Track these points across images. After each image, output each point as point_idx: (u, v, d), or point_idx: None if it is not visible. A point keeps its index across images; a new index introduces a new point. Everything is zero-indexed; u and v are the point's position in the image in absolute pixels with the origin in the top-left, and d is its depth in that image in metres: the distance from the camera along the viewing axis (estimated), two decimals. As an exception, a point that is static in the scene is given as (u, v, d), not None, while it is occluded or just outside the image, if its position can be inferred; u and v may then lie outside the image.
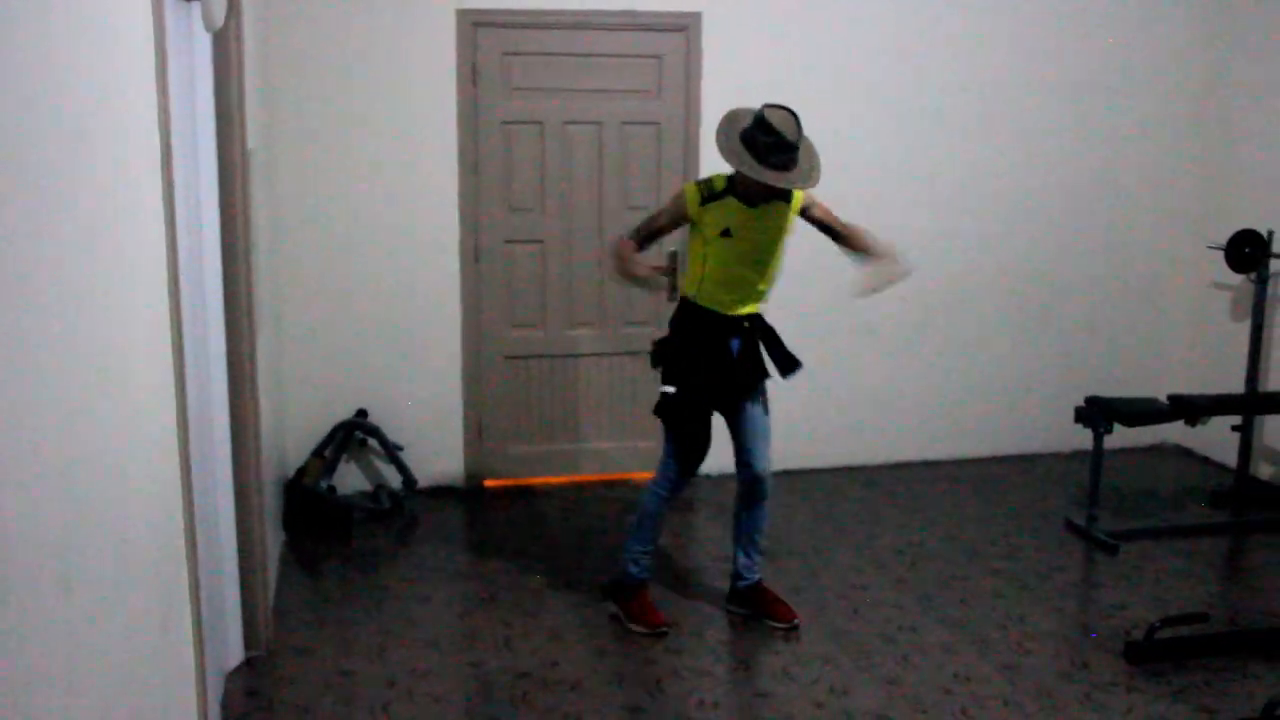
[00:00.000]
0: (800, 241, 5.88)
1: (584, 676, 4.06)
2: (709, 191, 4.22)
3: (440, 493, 5.94)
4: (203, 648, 2.94)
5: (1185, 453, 6.73)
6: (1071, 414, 5.47)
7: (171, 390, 2.65)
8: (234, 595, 3.95)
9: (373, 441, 5.78)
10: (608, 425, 6.13)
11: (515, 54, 5.73)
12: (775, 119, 4.01)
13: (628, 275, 4.38)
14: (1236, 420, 5.87)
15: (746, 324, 4.33)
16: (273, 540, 4.70)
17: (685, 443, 4.38)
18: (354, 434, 5.75)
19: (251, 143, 4.10)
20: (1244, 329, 6.11)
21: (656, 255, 5.94)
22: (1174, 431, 6.64)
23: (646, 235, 4.39)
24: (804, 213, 4.34)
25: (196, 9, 3.29)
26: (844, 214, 6.10)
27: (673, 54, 5.87)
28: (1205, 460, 6.58)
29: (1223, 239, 6.06)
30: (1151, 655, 4.18)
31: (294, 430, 5.67)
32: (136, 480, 2.31)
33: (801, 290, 6.08)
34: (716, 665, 4.20)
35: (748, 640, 4.37)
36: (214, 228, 3.67)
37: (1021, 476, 6.31)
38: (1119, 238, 6.59)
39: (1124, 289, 6.67)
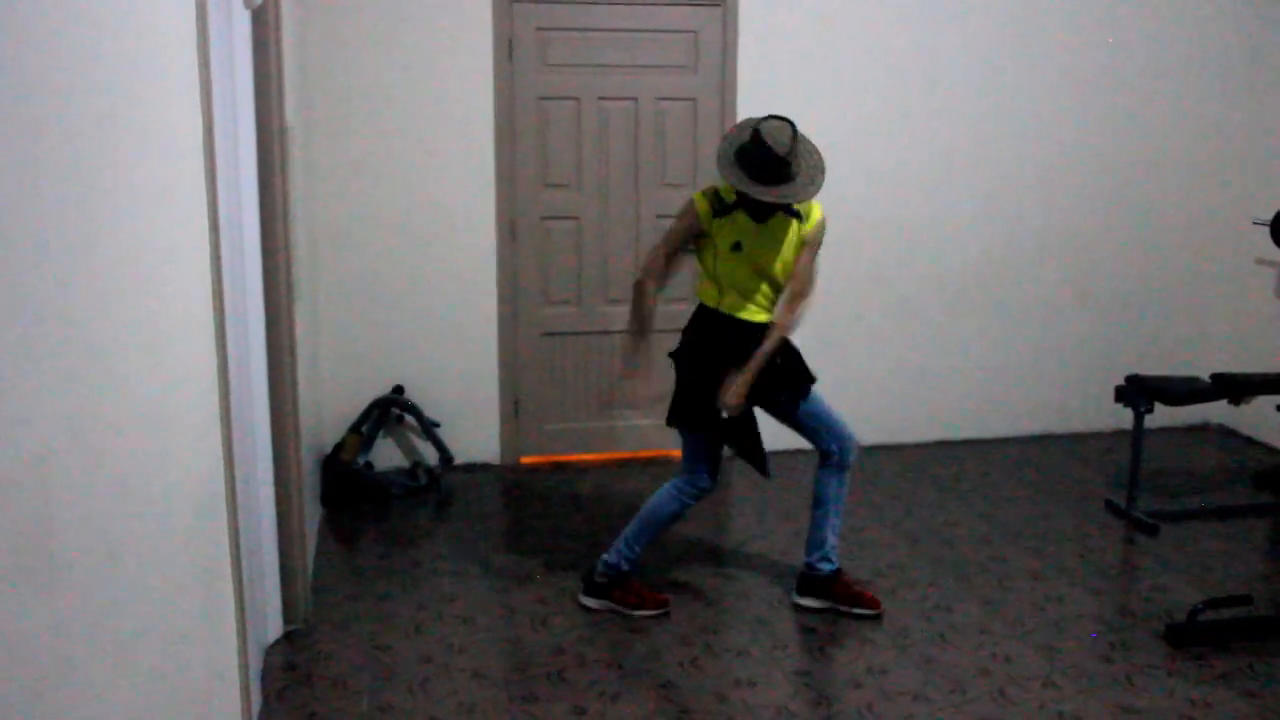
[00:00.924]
0: (834, 217, 5.86)
1: (620, 654, 4.07)
2: (719, 204, 4.14)
3: (477, 469, 5.96)
4: (244, 621, 2.96)
5: (1229, 432, 6.66)
6: (1112, 393, 5.41)
7: (213, 365, 2.66)
8: (273, 570, 3.98)
9: (409, 418, 5.81)
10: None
11: (551, 29, 5.70)
12: (767, 131, 3.95)
13: (632, 323, 4.34)
14: (1281, 400, 5.80)
15: (757, 330, 4.20)
16: (311, 516, 4.73)
17: (746, 440, 4.28)
18: (391, 410, 5.77)
19: (289, 119, 4.10)
20: (1289, 308, 6.03)
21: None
22: (1217, 411, 6.56)
23: (667, 256, 4.29)
24: (809, 238, 4.20)
25: (236, -16, 3.29)
26: (882, 188, 6.09)
27: (709, 29, 5.83)
28: (1249, 440, 6.50)
29: (1267, 215, 5.97)
30: (1193, 638, 4.13)
31: (331, 406, 5.70)
32: (179, 454, 2.32)
33: (835, 266, 6.05)
34: (753, 644, 4.19)
35: (785, 619, 4.36)
36: (253, 204, 3.68)
37: (1061, 456, 6.26)
38: (1160, 214, 6.51)
39: (1165, 265, 6.58)
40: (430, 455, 5.83)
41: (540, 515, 5.39)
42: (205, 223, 2.60)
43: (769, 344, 4.14)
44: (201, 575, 2.52)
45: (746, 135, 4.02)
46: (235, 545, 2.85)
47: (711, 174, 5.87)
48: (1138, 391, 5.24)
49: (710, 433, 4.26)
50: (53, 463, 1.54)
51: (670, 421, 4.34)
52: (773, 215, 4.13)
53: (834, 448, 4.35)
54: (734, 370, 4.15)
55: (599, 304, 5.99)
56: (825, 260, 5.91)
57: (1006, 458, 6.23)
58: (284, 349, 3.94)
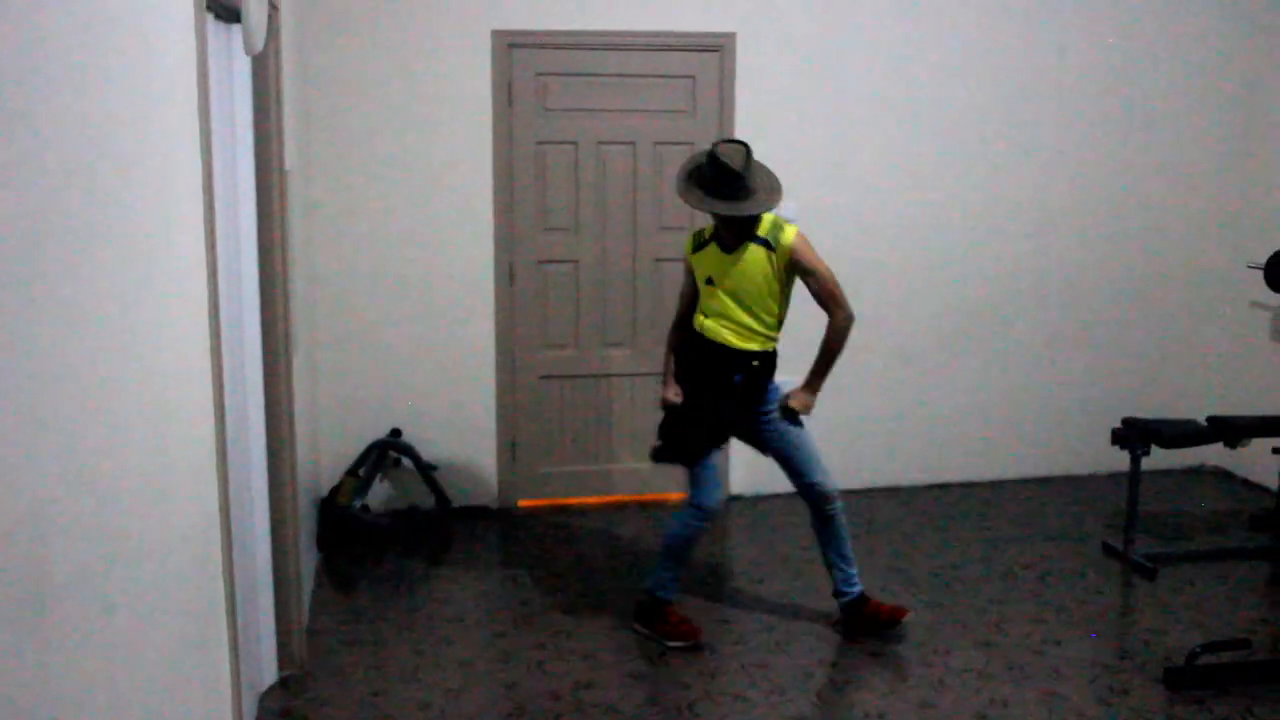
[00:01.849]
0: (831, 258, 5.88)
1: (618, 699, 4.05)
2: (699, 240, 4.41)
3: (474, 513, 5.95)
4: (238, 667, 2.95)
5: (1225, 475, 6.66)
6: (1109, 435, 5.41)
7: (210, 410, 2.67)
8: (269, 614, 3.96)
9: (406, 461, 5.80)
10: (642, 446, 6.10)
11: (550, 74, 5.75)
12: (722, 151, 4.16)
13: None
14: (1277, 441, 5.79)
15: (755, 362, 4.35)
16: (307, 560, 4.72)
17: (701, 469, 4.44)
18: (388, 453, 5.76)
19: (289, 163, 4.13)
20: (1284, 350, 6.05)
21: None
22: (1213, 453, 6.56)
23: (683, 311, 4.54)
24: (795, 265, 4.31)
25: (237, 32, 3.32)
26: (880, 232, 6.12)
27: (706, 74, 5.88)
28: (1245, 482, 6.50)
29: (1262, 258, 6.00)
30: (1192, 681, 4.12)
31: (328, 449, 5.70)
32: (175, 499, 2.32)
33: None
34: (751, 689, 4.17)
35: (783, 663, 4.34)
36: (251, 247, 3.69)
37: (1058, 499, 6.25)
38: (1156, 257, 6.53)
39: (1162, 309, 6.61)
40: (427, 498, 5.82)
41: (537, 559, 5.38)
42: (204, 269, 2.61)
43: (822, 354, 4.38)
44: (196, 623, 2.51)
45: (703, 157, 4.25)
46: (230, 593, 2.84)
47: (704, 218, 5.91)
48: (1134, 434, 5.24)
49: (695, 458, 4.40)
50: (50, 512, 1.55)
51: (658, 458, 4.52)
52: (740, 246, 4.28)
53: (811, 496, 4.52)
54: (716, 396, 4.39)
55: (596, 347, 6.01)
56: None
57: (1004, 500, 6.22)
58: (281, 394, 3.95)
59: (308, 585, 4.72)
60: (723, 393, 4.37)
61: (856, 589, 4.55)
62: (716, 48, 5.85)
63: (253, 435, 3.76)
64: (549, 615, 4.73)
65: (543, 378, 5.98)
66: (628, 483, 6.14)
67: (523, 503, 6.06)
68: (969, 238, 6.28)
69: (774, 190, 4.25)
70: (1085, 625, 4.67)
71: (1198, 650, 4.15)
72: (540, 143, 5.79)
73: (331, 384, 5.70)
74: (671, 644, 4.43)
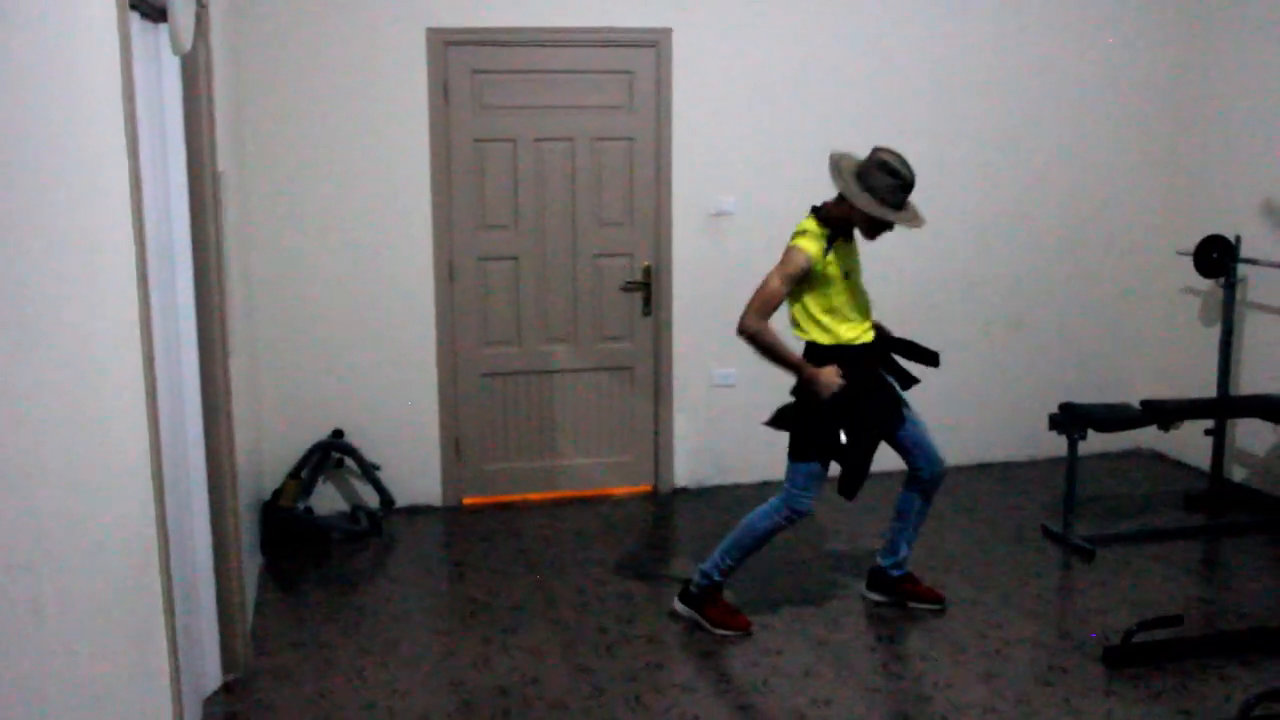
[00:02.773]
0: (773, 253, 5.92)
1: (565, 693, 4.06)
2: (824, 240, 4.30)
3: (418, 511, 5.93)
4: (179, 672, 2.92)
5: (1159, 457, 6.78)
6: (1046, 421, 5.49)
7: (144, 413, 2.64)
8: (211, 618, 3.93)
9: (349, 461, 5.77)
10: (585, 441, 6.13)
11: (486, 72, 5.74)
12: (895, 162, 4.24)
13: (787, 361, 4.34)
14: (1209, 424, 5.92)
15: (879, 346, 4.48)
16: (250, 563, 4.68)
17: (854, 473, 4.41)
18: (330, 454, 5.73)
19: (222, 165, 4.09)
20: (1214, 333, 6.17)
21: (630, 270, 5.97)
22: (1148, 436, 6.68)
23: (769, 314, 4.30)
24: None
25: (164, 31, 3.29)
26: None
27: (644, 69, 5.89)
28: (1179, 464, 6.63)
29: (1191, 245, 6.12)
30: (1129, 659, 4.20)
31: (270, 452, 5.65)
32: (109, 503, 2.30)
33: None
34: (698, 679, 4.19)
35: (730, 653, 4.37)
36: (185, 249, 3.66)
37: (997, 484, 6.34)
38: (1091, 245, 6.64)
39: (1095, 296, 6.71)
40: (371, 498, 5.80)
41: (483, 556, 5.37)
42: (133, 269, 2.59)
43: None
44: (134, 626, 2.49)
45: (858, 163, 4.31)
46: (168, 596, 2.82)
47: (645, 213, 5.93)
48: (1071, 419, 5.33)
49: (831, 459, 4.39)
50: (-26, 516, 1.53)
51: (798, 455, 4.42)
52: (852, 238, 4.41)
53: (922, 465, 4.61)
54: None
55: (538, 343, 6.01)
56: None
57: (945, 487, 6.26)
58: (219, 396, 3.92)
59: (251, 588, 4.68)
60: (884, 389, 4.50)
61: (905, 570, 4.77)
62: (653, 43, 5.87)
63: (190, 438, 3.72)
64: (495, 612, 4.73)
65: (485, 375, 5.97)
66: (571, 479, 6.15)
67: (467, 500, 6.05)
68: (907, 233, 6.33)
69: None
70: (1026, 607, 4.74)
71: (1134, 629, 4.23)
72: (478, 140, 5.78)
73: (272, 386, 5.66)
74: (720, 632, 4.48)
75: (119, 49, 2.52)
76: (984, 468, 6.60)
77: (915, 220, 4.32)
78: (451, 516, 5.92)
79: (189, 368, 3.71)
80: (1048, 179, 6.50)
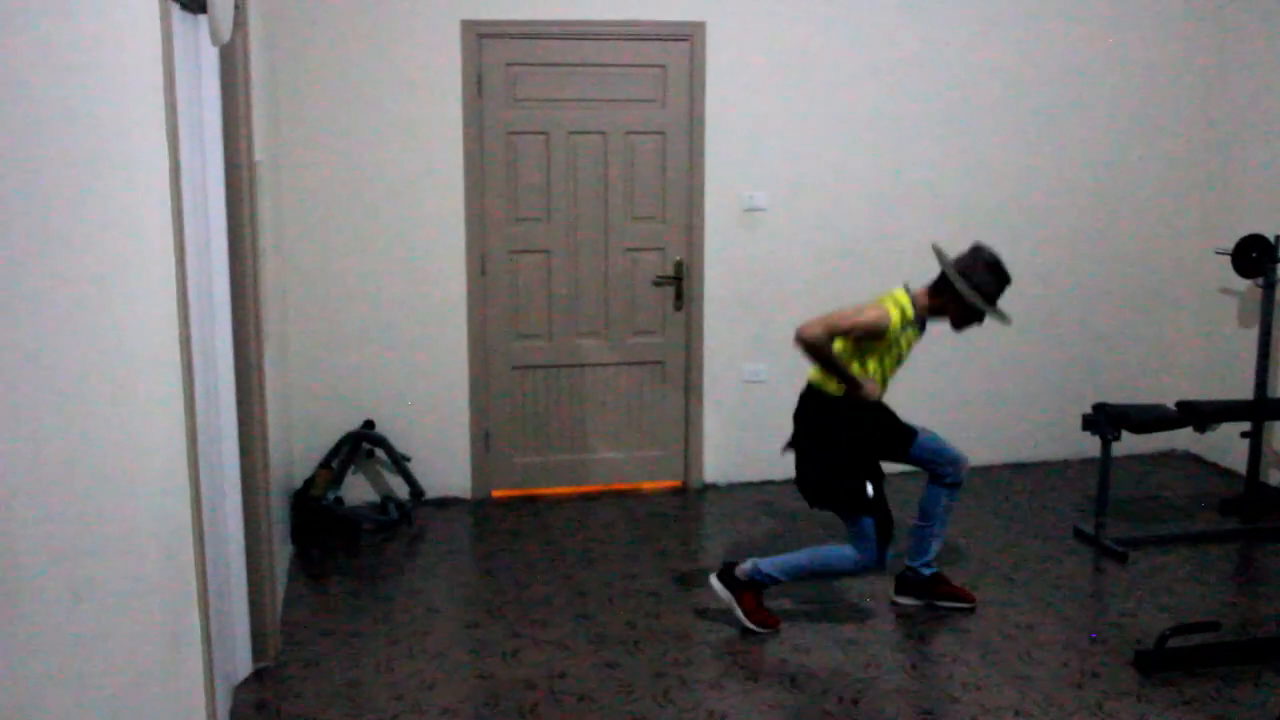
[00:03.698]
0: (800, 248, 5.90)
1: (592, 688, 4.05)
2: (906, 320, 4.42)
3: (447, 503, 5.94)
4: (211, 659, 2.94)
5: (1194, 459, 6.72)
6: (1079, 421, 5.45)
7: (180, 402, 2.65)
8: (242, 607, 3.95)
9: (380, 452, 5.79)
10: (614, 435, 6.13)
11: (520, 64, 5.74)
12: (996, 258, 4.39)
13: (844, 376, 4.38)
14: (1245, 426, 5.86)
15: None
16: (281, 552, 4.70)
17: (884, 518, 4.43)
18: (361, 445, 5.75)
19: (258, 155, 4.11)
20: (1252, 334, 6.10)
21: (661, 265, 5.96)
22: (1183, 438, 6.62)
23: (834, 337, 4.35)
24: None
25: (203, 22, 3.30)
26: (850, 221, 6.14)
27: (677, 63, 5.88)
28: (1215, 467, 6.56)
29: (1229, 244, 6.05)
30: (1162, 664, 4.16)
31: (301, 442, 5.68)
32: (145, 492, 2.31)
33: (804, 298, 6.08)
34: (726, 677, 4.18)
35: (758, 651, 4.36)
36: (221, 239, 3.68)
37: (1029, 484, 6.30)
38: (1125, 244, 6.58)
39: (1131, 295, 6.65)
40: (401, 490, 5.81)
41: (511, 549, 5.38)
42: (172, 260, 2.60)
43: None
44: (168, 614, 2.50)
45: (973, 256, 4.42)
46: (203, 584, 2.83)
47: (677, 207, 5.91)
48: (1105, 420, 5.28)
49: (871, 510, 4.40)
50: (17, 502, 1.54)
51: (842, 507, 4.46)
52: (924, 324, 4.50)
53: (947, 470, 4.67)
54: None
55: (569, 337, 6.00)
56: (795, 292, 5.96)
57: (976, 486, 6.24)
58: (253, 386, 3.93)
59: (282, 578, 4.71)
60: (887, 419, 4.62)
61: (935, 569, 4.79)
62: (687, 36, 5.85)
63: (225, 428, 3.74)
64: (523, 605, 4.74)
65: (516, 368, 5.97)
66: (601, 472, 6.15)
67: (496, 493, 6.06)
68: (938, 225, 6.29)
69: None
70: (1058, 609, 4.70)
71: (1168, 633, 4.19)
72: (511, 133, 5.78)
73: (304, 376, 5.68)
74: (751, 625, 4.49)
75: (160, 41, 2.53)
76: (1017, 468, 6.55)
77: (1007, 318, 4.46)
78: (481, 509, 5.93)
79: (224, 357, 3.73)
80: (1083, 177, 6.45)
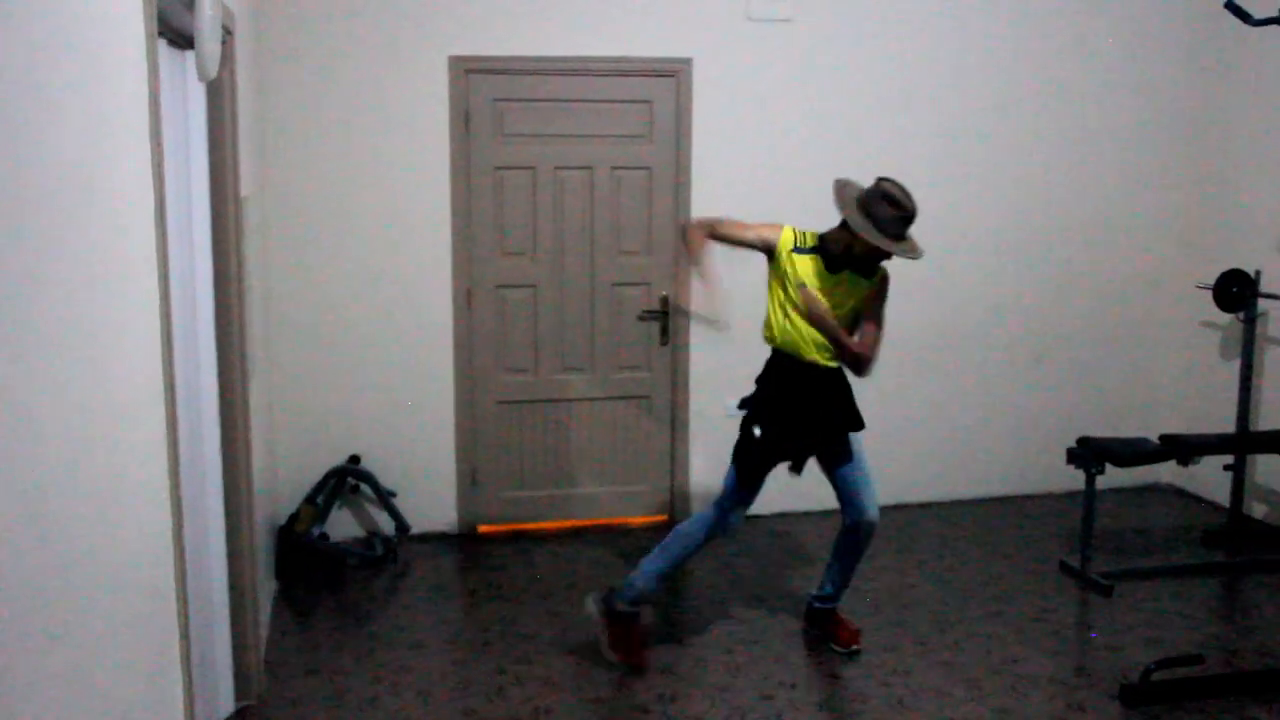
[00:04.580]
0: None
1: (578, 723, 4.04)
2: (801, 242, 4.36)
3: (433, 539, 5.92)
4: (193, 698, 2.92)
5: (1178, 492, 6.74)
6: (1064, 455, 5.47)
7: (164, 437, 2.65)
8: (225, 644, 3.92)
9: (365, 488, 5.77)
10: (601, 470, 6.12)
11: (507, 100, 5.77)
12: (898, 193, 4.24)
13: (695, 259, 4.40)
14: (1229, 459, 5.89)
15: (823, 373, 4.38)
16: (265, 588, 4.68)
17: (746, 481, 4.44)
18: (346, 480, 5.74)
19: (245, 190, 4.12)
20: (1234, 367, 6.14)
21: (647, 300, 5.97)
22: (1166, 471, 6.65)
23: (724, 236, 4.43)
24: (879, 292, 4.45)
25: (191, 58, 3.32)
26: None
27: (664, 99, 5.92)
28: (1198, 499, 6.58)
29: (1210, 279, 6.10)
30: (1147, 698, 4.16)
31: (286, 477, 5.66)
32: (127, 529, 2.30)
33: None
34: (712, 712, 4.17)
35: (743, 685, 4.34)
36: (207, 275, 3.68)
37: (1014, 518, 6.31)
38: (1109, 278, 6.62)
39: (1114, 330, 6.69)
40: (386, 525, 5.79)
41: (497, 584, 5.36)
42: (157, 296, 2.60)
43: (846, 340, 4.35)
44: (149, 652, 2.49)
45: (864, 190, 4.30)
46: (184, 622, 2.81)
47: (663, 242, 5.93)
48: (1089, 453, 5.30)
49: (757, 467, 4.42)
50: (-4, 541, 1.53)
51: (741, 462, 4.47)
52: (843, 270, 4.34)
53: (845, 511, 4.58)
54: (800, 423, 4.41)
55: (555, 372, 6.01)
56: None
57: (962, 520, 6.27)
58: (237, 421, 3.93)
59: (265, 614, 4.68)
60: (817, 411, 4.41)
61: (831, 606, 4.72)
62: (673, 73, 5.89)
63: (209, 463, 3.73)
64: (508, 641, 4.72)
65: (502, 402, 5.97)
66: (587, 507, 6.14)
67: (482, 528, 6.05)
68: (927, 263, 6.31)
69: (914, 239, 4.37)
70: (1043, 643, 4.70)
71: (1152, 667, 4.20)
72: (498, 168, 5.81)
73: (289, 411, 5.67)
74: (611, 655, 4.48)
75: (147, 76, 2.54)
76: (1001, 501, 6.56)
77: (914, 252, 4.30)
78: (467, 544, 5.91)
79: (208, 391, 3.72)
80: (1066, 211, 6.50)
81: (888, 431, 6.42)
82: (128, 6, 2.42)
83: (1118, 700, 4.18)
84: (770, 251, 4.37)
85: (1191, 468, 5.68)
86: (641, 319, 6.05)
